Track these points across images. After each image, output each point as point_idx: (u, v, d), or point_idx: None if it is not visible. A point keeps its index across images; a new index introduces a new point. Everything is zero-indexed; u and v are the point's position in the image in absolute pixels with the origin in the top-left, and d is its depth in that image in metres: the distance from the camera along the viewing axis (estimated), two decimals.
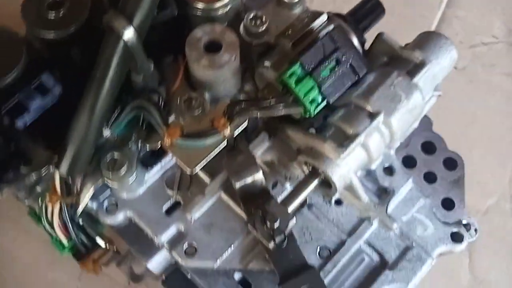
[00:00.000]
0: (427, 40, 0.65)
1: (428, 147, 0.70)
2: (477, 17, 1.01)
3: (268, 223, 0.56)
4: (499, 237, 0.86)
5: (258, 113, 0.56)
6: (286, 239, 0.57)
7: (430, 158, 0.70)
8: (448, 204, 0.67)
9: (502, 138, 0.92)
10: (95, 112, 0.52)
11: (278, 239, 0.56)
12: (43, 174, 0.61)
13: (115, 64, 0.50)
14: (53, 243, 0.64)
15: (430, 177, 0.69)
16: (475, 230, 0.69)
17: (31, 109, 0.53)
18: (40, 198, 0.61)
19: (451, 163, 0.70)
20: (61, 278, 0.85)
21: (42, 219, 0.61)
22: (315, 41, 0.57)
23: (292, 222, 0.57)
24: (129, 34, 0.48)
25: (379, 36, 0.66)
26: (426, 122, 0.71)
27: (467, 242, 0.64)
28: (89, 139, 0.54)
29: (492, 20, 1.01)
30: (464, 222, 0.68)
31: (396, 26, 0.69)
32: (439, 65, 0.63)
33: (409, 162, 0.69)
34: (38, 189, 0.64)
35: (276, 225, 0.56)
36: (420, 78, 0.62)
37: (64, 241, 0.62)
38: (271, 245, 0.56)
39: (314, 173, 0.61)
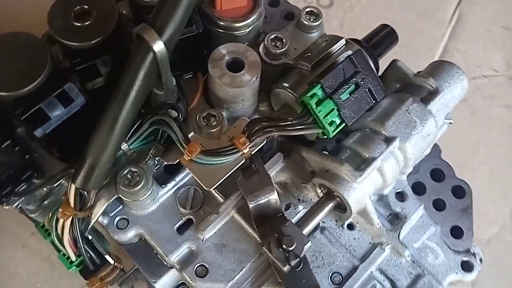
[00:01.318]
0: (439, 68, 0.66)
1: (437, 174, 0.71)
2: (478, 51, 1.05)
3: (284, 246, 0.55)
4: (501, 267, 0.86)
5: (277, 132, 0.56)
6: (301, 262, 0.56)
7: (439, 185, 0.71)
8: (456, 232, 0.68)
9: (504, 169, 0.94)
10: (117, 124, 0.51)
11: (293, 262, 0.55)
12: (56, 187, 0.60)
13: (142, 76, 0.50)
14: (60, 258, 0.62)
15: (439, 205, 0.69)
16: (480, 259, 0.69)
17: (52, 118, 0.52)
18: (50, 212, 0.60)
19: (460, 191, 0.70)
20: None
21: (52, 233, 0.59)
22: (336, 64, 0.58)
23: (308, 245, 0.56)
24: (159, 47, 0.48)
25: (394, 62, 0.67)
26: (435, 149, 0.72)
27: (477, 271, 0.65)
28: (109, 152, 0.53)
29: (493, 54, 1.05)
30: (472, 250, 0.69)
31: (400, 56, 0.71)
32: (451, 94, 0.65)
33: (418, 188, 0.70)
34: (46, 202, 0.63)
35: (292, 248, 0.55)
36: (434, 106, 0.63)
37: (73, 256, 0.60)
38: (286, 268, 0.56)
39: (329, 195, 0.61)
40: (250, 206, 0.59)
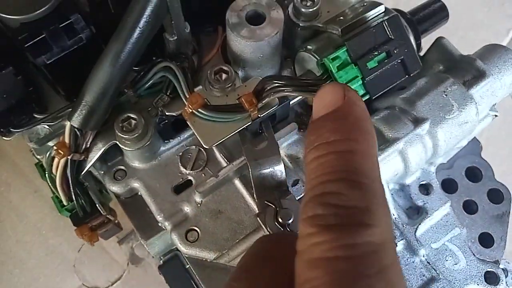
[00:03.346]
0: (491, 52, 0.58)
1: (473, 174, 0.63)
2: None
3: (280, 219, 0.50)
4: None
5: (290, 93, 0.51)
6: None
7: (474, 186, 0.62)
8: (486, 240, 0.60)
9: None
10: (120, 61, 0.48)
11: None
12: (60, 128, 0.58)
13: (148, 13, 0.47)
14: (53, 200, 0.60)
15: (470, 207, 0.61)
16: None
17: (54, 49, 0.50)
18: (49, 151, 0.58)
19: (497, 195, 0.62)
20: (61, 246, 0.83)
21: (46, 173, 0.58)
22: (367, 28, 0.52)
23: None
24: None
25: (438, 40, 0.60)
26: (475, 145, 0.63)
27: (503, 285, 0.56)
28: (108, 91, 0.50)
29: None
30: (501, 266, 0.60)
31: (457, 46, 0.63)
32: (501, 81, 0.57)
33: (449, 186, 0.62)
34: (51, 143, 0.62)
35: (289, 222, 0.50)
36: (478, 91, 0.55)
37: (64, 200, 0.58)
38: None
39: None
40: (253, 174, 0.55)
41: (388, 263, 0.25)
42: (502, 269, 0.60)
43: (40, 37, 0.50)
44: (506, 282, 0.60)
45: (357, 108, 0.29)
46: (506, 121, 0.88)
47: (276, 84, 0.51)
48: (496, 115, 0.60)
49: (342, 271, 0.24)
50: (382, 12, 0.57)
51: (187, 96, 0.51)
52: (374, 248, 0.25)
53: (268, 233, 0.51)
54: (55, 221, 0.83)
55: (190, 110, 0.51)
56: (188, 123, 0.52)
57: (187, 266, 0.61)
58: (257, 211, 0.55)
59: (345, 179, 0.26)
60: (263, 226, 0.51)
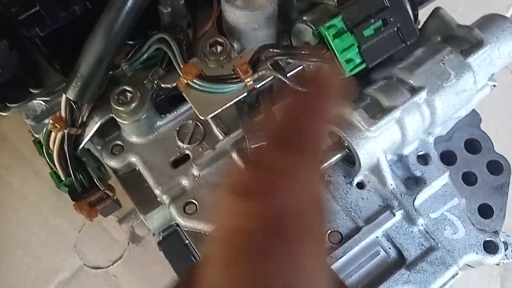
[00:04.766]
0: (489, 21, 0.58)
1: (472, 146, 0.62)
2: None
3: None
4: None
5: (286, 59, 0.50)
6: None
7: (473, 158, 0.62)
8: (485, 211, 0.59)
9: None
10: (113, 32, 0.48)
11: None
12: (53, 101, 0.58)
13: None
14: (51, 175, 0.61)
15: (469, 178, 0.61)
16: None
17: (50, 21, 0.50)
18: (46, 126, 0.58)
19: (496, 166, 0.61)
20: (62, 227, 0.83)
21: (44, 148, 0.58)
22: None
23: None
24: None
25: (435, 10, 0.59)
26: (474, 117, 0.63)
27: (502, 254, 0.56)
28: (103, 63, 0.50)
29: None
30: (502, 239, 0.60)
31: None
32: (499, 50, 0.56)
33: (448, 158, 0.61)
34: (47, 120, 0.62)
35: None
36: (475, 60, 0.55)
37: (62, 175, 0.58)
38: None
39: (338, 145, 0.54)
40: (250, 146, 0.54)
41: None
42: (502, 242, 0.60)
43: (34, 10, 0.50)
44: (506, 255, 0.60)
45: None
46: (507, 97, 0.88)
47: (272, 53, 0.50)
48: (494, 85, 0.59)
49: None
50: None
51: (182, 67, 0.51)
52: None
53: None
54: (56, 202, 0.83)
55: (185, 81, 0.51)
56: (184, 94, 0.52)
57: (187, 242, 0.61)
58: None
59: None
60: None
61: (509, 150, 0.81)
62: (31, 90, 0.57)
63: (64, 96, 0.52)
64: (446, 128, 0.61)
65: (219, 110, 0.52)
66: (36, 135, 0.61)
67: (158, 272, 0.77)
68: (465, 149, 0.62)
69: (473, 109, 0.63)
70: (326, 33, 0.50)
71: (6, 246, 0.82)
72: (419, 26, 0.63)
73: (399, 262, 0.54)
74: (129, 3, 0.48)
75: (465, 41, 0.56)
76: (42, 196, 0.84)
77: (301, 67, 0.55)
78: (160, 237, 0.64)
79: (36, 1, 0.49)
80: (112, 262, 0.79)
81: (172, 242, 0.62)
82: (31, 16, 0.50)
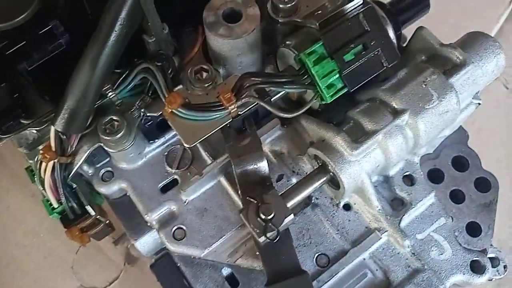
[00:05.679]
0: (472, 40, 0.58)
1: (460, 163, 0.62)
2: None
3: (262, 215, 0.51)
4: None
5: (269, 87, 0.51)
6: (280, 236, 0.51)
7: (461, 175, 0.62)
8: (474, 229, 0.59)
9: None
10: (98, 65, 0.49)
11: (270, 234, 0.50)
12: (44, 129, 0.58)
13: (123, 16, 0.48)
14: (43, 203, 0.62)
15: (457, 196, 0.61)
16: (505, 267, 0.60)
17: (37, 55, 0.51)
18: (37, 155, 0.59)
19: (484, 184, 0.61)
20: (59, 249, 0.84)
21: (36, 176, 0.59)
22: (343, 22, 0.52)
23: (289, 218, 0.51)
24: None
25: (418, 30, 0.60)
26: (461, 134, 0.63)
27: (489, 275, 0.56)
28: (89, 94, 0.51)
29: None
30: (491, 255, 0.60)
31: (448, 36, 0.62)
32: (482, 69, 0.56)
33: (435, 176, 0.62)
34: (40, 147, 0.63)
35: (270, 217, 0.50)
36: (458, 79, 0.55)
37: (54, 202, 0.59)
38: (262, 239, 0.51)
39: (323, 168, 0.55)
40: (236, 171, 0.55)
41: None
42: (493, 258, 0.60)
43: (20, 45, 0.51)
44: (497, 271, 0.60)
45: None
46: (499, 109, 0.88)
47: (254, 81, 0.51)
48: (479, 103, 0.59)
49: None
50: (360, 4, 0.57)
51: (166, 96, 0.52)
52: None
53: (252, 229, 0.51)
54: (53, 224, 0.84)
55: (170, 110, 0.52)
56: (169, 123, 0.53)
57: (178, 264, 0.61)
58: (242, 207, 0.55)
59: None
60: (247, 223, 0.51)
61: (501, 163, 0.82)
62: (22, 121, 0.58)
63: (52, 127, 0.53)
64: (432, 147, 0.61)
65: (204, 137, 0.53)
66: (30, 161, 0.62)
67: None
68: (453, 167, 0.63)
69: (461, 126, 0.64)
70: (307, 60, 0.51)
71: (7, 268, 0.83)
72: (405, 44, 0.64)
73: (386, 284, 0.54)
74: (112, 37, 0.49)
75: (448, 60, 0.57)
76: (38, 218, 0.85)
77: (284, 92, 0.55)
78: (153, 260, 0.65)
79: (23, 36, 0.50)
80: (109, 282, 0.80)
81: (164, 265, 0.63)
82: (18, 51, 0.51)
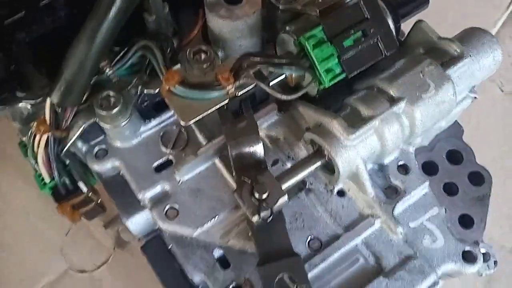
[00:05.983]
0: (470, 35, 0.59)
1: (454, 157, 0.63)
2: None
3: (256, 194, 0.50)
4: None
5: (268, 68, 0.51)
6: (273, 216, 0.51)
7: (455, 168, 0.62)
8: (466, 221, 0.60)
9: None
10: (96, 39, 0.49)
11: (263, 213, 0.50)
12: (39, 104, 0.58)
13: None
14: (35, 178, 0.61)
15: (450, 189, 0.61)
16: (495, 262, 0.60)
17: (36, 27, 0.51)
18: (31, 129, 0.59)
19: (478, 178, 0.62)
20: (49, 231, 0.83)
21: (28, 150, 0.58)
22: (343, 9, 0.52)
23: (283, 199, 0.51)
24: None
25: (417, 24, 0.60)
26: (456, 129, 0.64)
27: (480, 266, 0.56)
28: (86, 68, 0.51)
29: None
30: (482, 250, 0.60)
31: (445, 35, 0.64)
32: (479, 63, 0.57)
33: (430, 168, 0.62)
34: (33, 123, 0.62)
35: (264, 197, 0.50)
36: (456, 72, 0.55)
37: (46, 177, 0.59)
38: (255, 218, 0.51)
39: (318, 153, 0.55)
40: (232, 153, 0.55)
41: None
42: (484, 253, 0.60)
43: (20, 15, 0.50)
44: (488, 266, 0.60)
45: None
46: (494, 111, 0.88)
47: (253, 61, 0.51)
48: (475, 97, 0.60)
49: None
50: None
51: (164, 74, 0.52)
52: None
53: (245, 209, 0.51)
54: (44, 206, 0.83)
55: (167, 87, 0.52)
56: (166, 100, 0.53)
57: (170, 247, 0.61)
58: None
59: None
60: (241, 202, 0.51)
61: (497, 161, 0.82)
62: (18, 94, 0.57)
63: (48, 99, 0.53)
64: (428, 139, 0.62)
65: (201, 116, 0.53)
66: (23, 138, 0.62)
67: (143, 278, 0.77)
68: (447, 160, 0.63)
69: (456, 121, 0.64)
70: (306, 43, 0.51)
71: None
72: (403, 39, 0.64)
73: (378, 269, 0.54)
74: (113, 11, 0.48)
75: (446, 53, 0.57)
76: (29, 200, 0.84)
77: (283, 76, 0.55)
78: (144, 241, 0.64)
79: (22, 6, 0.50)
80: (98, 266, 0.79)
81: (155, 247, 0.62)
82: (17, 21, 0.50)
